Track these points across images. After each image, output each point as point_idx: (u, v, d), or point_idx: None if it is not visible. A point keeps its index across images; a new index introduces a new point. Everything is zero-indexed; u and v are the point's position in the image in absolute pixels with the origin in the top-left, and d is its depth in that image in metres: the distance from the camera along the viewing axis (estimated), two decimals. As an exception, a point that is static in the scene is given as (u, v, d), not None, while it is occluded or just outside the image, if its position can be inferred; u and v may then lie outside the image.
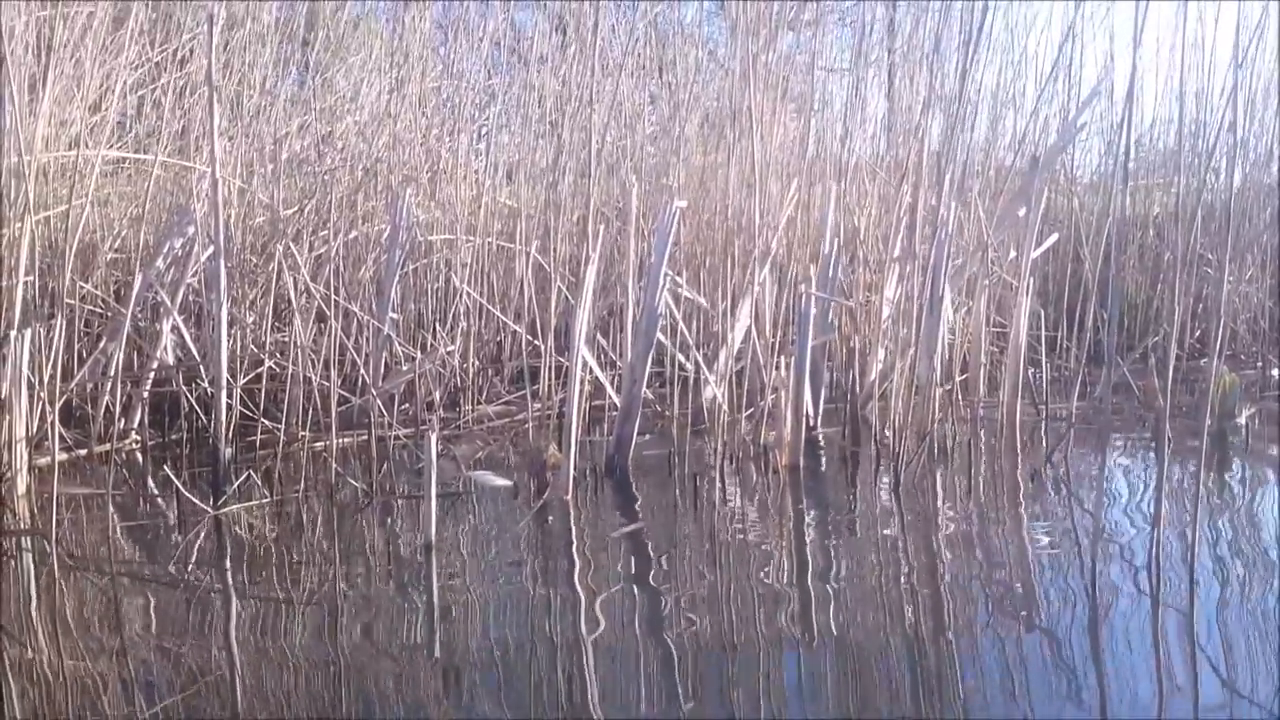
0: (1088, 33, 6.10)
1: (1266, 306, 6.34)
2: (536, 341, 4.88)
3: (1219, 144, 6.29)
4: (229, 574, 3.06)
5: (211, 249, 3.91)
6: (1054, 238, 5.35)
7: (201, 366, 4.32)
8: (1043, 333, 5.20)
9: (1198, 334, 6.10)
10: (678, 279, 4.44)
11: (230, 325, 4.39)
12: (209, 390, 4.00)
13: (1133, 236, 5.76)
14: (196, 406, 4.24)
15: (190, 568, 3.12)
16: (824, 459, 4.47)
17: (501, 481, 3.93)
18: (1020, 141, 5.59)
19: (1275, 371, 5.91)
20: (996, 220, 4.68)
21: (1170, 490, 3.83)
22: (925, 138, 4.55)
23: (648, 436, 4.45)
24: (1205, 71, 6.64)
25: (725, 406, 4.28)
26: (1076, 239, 5.85)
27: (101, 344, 4.35)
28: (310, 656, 2.48)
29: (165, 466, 3.83)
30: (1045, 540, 3.37)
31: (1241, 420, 4.82)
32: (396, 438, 4.29)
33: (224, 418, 3.69)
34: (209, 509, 3.49)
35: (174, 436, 4.38)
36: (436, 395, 4.64)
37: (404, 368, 4.55)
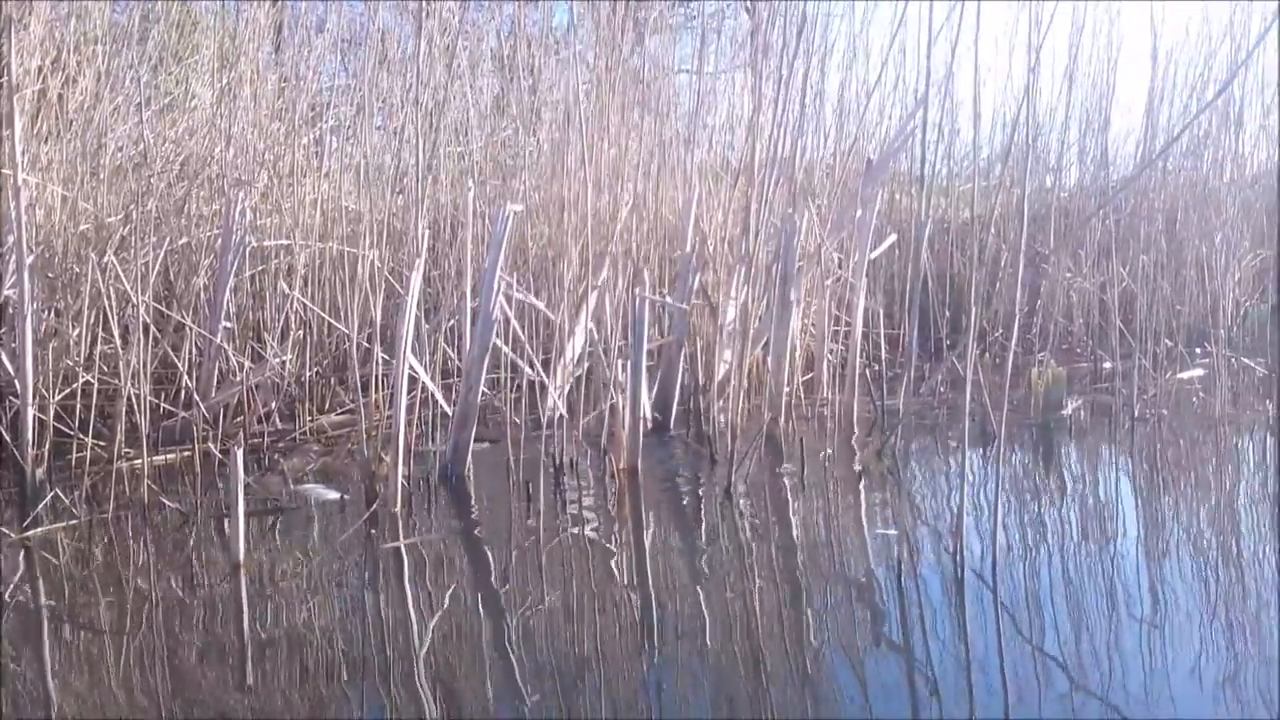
0: (927, 37, 6.25)
1: (1100, 300, 6.60)
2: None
3: (1054, 145, 6.51)
4: (31, 598, 2.93)
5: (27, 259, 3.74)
6: (892, 238, 5.47)
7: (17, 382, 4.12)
8: (882, 330, 5.32)
9: (1037, 329, 6.32)
10: (512, 283, 4.41)
11: (51, 337, 4.21)
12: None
13: (973, 235, 5.92)
14: (7, 425, 4.05)
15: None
16: (667, 460, 4.49)
17: (329, 494, 3.84)
18: (854, 143, 5.71)
19: (1107, 364, 6.16)
20: (831, 223, 4.76)
21: (980, 484, 3.99)
22: (769, 142, 4.61)
23: (487, 444, 4.41)
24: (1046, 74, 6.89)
25: (565, 412, 4.26)
26: (917, 238, 6.00)
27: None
28: (106, 683, 2.39)
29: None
30: (873, 534, 3.46)
31: (1067, 412, 5.00)
32: (224, 452, 4.16)
33: (30, 436, 3.53)
34: (11, 533, 3.33)
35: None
36: (271, 405, 4.51)
37: (236, 379, 4.42)
